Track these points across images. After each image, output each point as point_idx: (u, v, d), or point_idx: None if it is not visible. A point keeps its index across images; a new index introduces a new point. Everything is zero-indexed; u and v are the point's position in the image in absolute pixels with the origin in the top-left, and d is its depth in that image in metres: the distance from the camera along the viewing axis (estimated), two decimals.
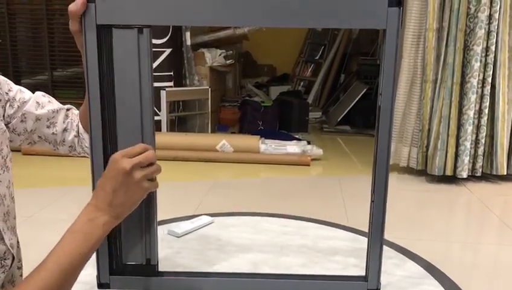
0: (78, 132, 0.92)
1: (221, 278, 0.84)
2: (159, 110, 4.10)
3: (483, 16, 3.12)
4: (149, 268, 0.81)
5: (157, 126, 4.08)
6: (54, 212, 2.69)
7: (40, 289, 0.64)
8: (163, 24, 0.72)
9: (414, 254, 0.98)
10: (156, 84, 4.12)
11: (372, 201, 0.78)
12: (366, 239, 0.81)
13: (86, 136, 0.92)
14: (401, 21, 0.67)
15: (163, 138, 3.88)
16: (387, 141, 0.75)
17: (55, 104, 0.91)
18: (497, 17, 3.14)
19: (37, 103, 0.88)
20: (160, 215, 0.87)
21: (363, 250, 0.82)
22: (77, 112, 0.95)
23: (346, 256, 0.97)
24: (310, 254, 0.97)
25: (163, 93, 4.11)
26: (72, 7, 0.71)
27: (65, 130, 0.91)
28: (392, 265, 0.93)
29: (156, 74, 4.16)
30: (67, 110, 0.93)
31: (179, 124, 4.56)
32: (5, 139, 0.83)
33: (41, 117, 0.88)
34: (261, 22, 0.72)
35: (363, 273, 0.82)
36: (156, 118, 4.16)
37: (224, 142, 3.86)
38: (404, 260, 0.96)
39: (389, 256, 0.96)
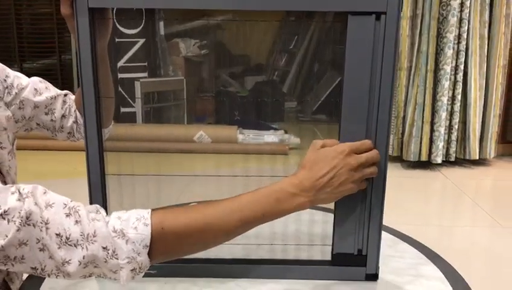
0: (76, 117, 0.91)
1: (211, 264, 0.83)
2: (134, 102, 4.03)
3: (455, 3, 3.18)
4: (359, 259, 0.80)
5: (132, 118, 4.01)
6: None
7: (218, 220, 0.65)
8: (155, 7, 0.70)
9: (406, 236, 0.99)
10: (129, 76, 4.08)
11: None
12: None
13: None
14: (401, 3, 0.66)
15: (139, 129, 3.82)
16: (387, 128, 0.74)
17: (52, 90, 0.90)
18: (468, 4, 3.21)
19: (35, 89, 0.87)
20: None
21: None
22: (73, 97, 0.93)
23: None
24: (305, 239, 0.97)
25: (137, 84, 4.04)
26: None
27: (63, 116, 0.91)
28: (386, 247, 0.94)
29: (129, 64, 4.09)
30: (65, 95, 0.92)
31: (154, 116, 4.50)
32: (12, 126, 0.81)
33: (40, 104, 0.87)
34: (253, 5, 0.71)
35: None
36: (131, 109, 4.09)
37: (202, 133, 3.83)
38: (396, 241, 0.97)
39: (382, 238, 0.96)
